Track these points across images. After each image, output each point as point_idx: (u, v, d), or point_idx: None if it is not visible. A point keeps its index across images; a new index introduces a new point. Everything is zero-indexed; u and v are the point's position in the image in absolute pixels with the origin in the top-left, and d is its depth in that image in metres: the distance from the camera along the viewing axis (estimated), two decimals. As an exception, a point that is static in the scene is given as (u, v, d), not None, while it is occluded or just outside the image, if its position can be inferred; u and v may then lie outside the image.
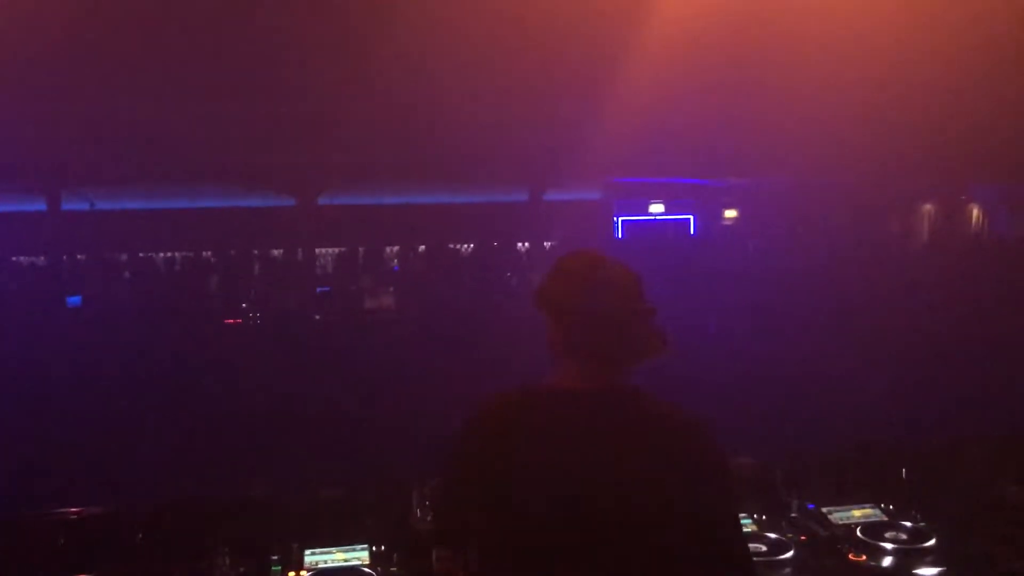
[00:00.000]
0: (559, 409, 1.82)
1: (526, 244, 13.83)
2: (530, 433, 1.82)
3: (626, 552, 1.71)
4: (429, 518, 2.98)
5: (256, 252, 12.54)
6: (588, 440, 1.77)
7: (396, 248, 13.49)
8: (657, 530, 1.72)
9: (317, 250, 13.46)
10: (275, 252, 13.26)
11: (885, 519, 3.28)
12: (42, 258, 11.47)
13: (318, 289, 11.04)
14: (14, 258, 11.40)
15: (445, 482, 1.87)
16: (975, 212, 15.44)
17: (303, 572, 2.91)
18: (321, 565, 2.96)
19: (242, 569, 2.87)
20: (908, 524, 3.18)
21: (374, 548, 3.04)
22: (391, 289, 9.94)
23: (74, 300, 10.06)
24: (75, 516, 3.13)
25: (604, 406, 1.81)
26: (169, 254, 13.11)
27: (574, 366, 1.86)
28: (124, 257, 12.18)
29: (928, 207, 15.70)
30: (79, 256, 12.30)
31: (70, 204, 12.05)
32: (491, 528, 1.84)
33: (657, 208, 15.32)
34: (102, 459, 4.93)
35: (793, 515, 3.31)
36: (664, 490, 1.72)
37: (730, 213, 15.70)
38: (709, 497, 1.75)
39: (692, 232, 15.58)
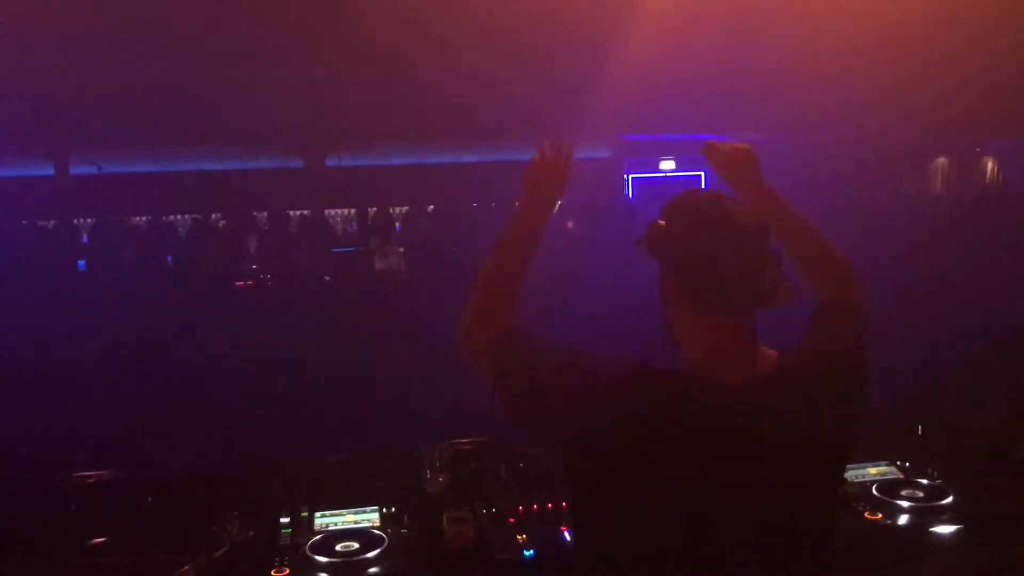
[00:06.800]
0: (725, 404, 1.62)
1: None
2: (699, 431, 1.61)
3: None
4: (440, 478, 2.95)
5: (266, 214, 12.44)
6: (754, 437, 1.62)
7: (404, 209, 13.31)
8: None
9: (327, 211, 13.37)
10: (287, 214, 13.14)
11: (901, 477, 3.24)
12: (51, 222, 11.41)
13: (332, 250, 10.92)
14: (23, 222, 11.33)
15: (570, 405, 1.65)
16: (990, 165, 15.22)
17: (313, 534, 2.90)
18: (331, 527, 2.95)
19: (252, 532, 2.86)
20: (924, 482, 3.14)
21: (384, 510, 3.04)
22: (400, 250, 9.81)
23: (82, 264, 10.02)
24: (87, 482, 3.13)
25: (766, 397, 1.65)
26: (178, 216, 13.04)
27: (709, 328, 1.65)
28: (134, 220, 12.12)
29: (942, 161, 15.50)
30: (88, 220, 12.26)
31: (78, 168, 12.03)
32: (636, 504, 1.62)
33: (668, 164, 15.11)
34: (109, 427, 4.90)
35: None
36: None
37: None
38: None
39: (703, 187, 15.39)
